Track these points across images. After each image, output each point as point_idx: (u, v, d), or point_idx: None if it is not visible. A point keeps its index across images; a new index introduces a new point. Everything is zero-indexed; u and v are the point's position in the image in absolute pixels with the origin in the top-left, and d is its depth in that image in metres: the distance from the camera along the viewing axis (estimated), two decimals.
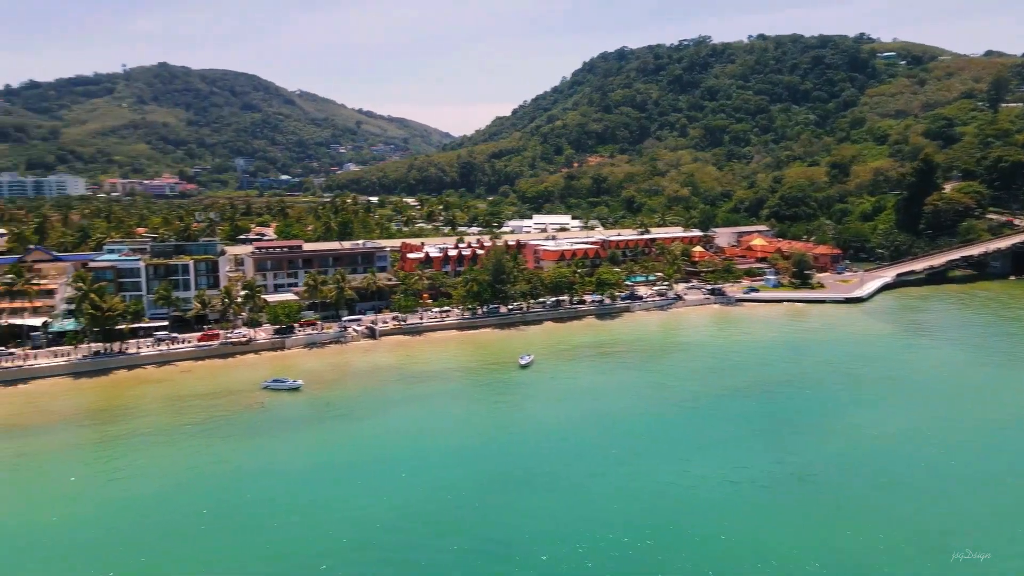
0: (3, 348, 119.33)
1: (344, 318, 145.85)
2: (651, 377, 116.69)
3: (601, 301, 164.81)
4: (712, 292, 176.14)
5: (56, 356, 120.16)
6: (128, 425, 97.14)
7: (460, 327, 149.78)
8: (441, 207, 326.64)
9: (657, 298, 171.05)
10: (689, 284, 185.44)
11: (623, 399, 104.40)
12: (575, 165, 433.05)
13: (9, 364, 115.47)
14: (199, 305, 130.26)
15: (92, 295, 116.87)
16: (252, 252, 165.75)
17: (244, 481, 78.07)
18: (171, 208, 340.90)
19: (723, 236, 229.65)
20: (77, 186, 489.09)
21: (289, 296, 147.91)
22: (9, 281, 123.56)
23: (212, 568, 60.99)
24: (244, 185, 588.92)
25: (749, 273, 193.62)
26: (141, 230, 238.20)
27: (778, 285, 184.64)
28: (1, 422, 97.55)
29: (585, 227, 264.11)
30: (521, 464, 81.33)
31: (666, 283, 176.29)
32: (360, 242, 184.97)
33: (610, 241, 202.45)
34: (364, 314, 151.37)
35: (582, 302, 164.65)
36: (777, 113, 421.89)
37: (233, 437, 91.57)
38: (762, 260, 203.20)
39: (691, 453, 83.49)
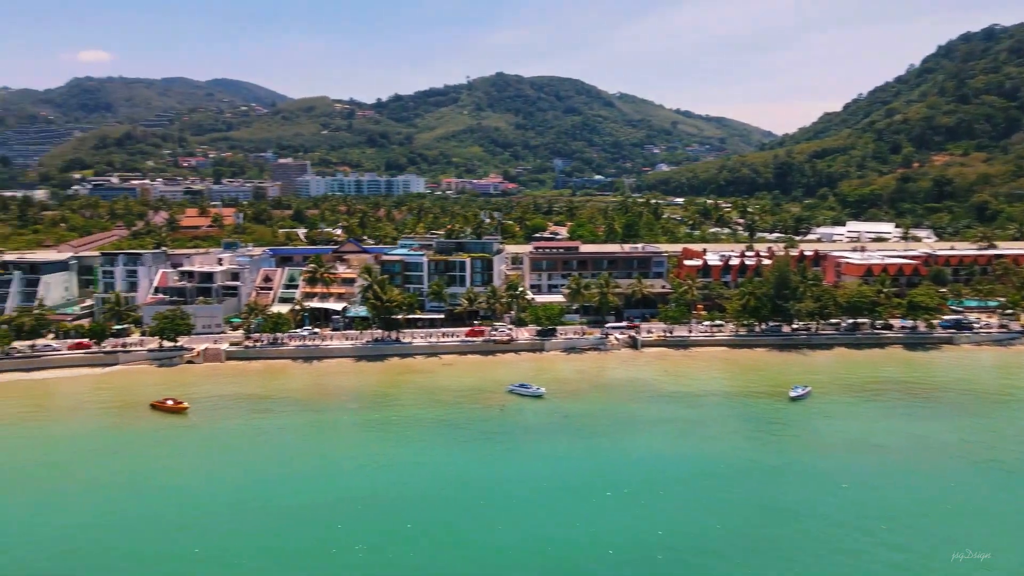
0: (309, 328, 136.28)
1: (608, 324, 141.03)
2: (969, 434, 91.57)
3: (913, 328, 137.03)
4: None
5: (347, 339, 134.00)
6: (384, 413, 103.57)
7: (731, 344, 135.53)
8: (738, 210, 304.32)
9: (995, 330, 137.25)
10: None
11: (919, 460, 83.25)
12: (915, 165, 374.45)
13: (311, 343, 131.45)
14: (466, 302, 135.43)
15: (375, 287, 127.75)
16: (530, 252, 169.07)
17: (454, 484, 77.34)
18: (488, 206, 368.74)
19: None
20: (419, 184, 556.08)
21: (555, 298, 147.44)
22: (311, 270, 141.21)
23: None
24: (559, 185, 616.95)
25: None
26: (452, 226, 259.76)
27: None
28: (300, 395, 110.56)
29: (905, 237, 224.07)
30: (757, 522, 68.43)
31: (1010, 311, 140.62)
32: (639, 246, 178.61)
33: (936, 256, 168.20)
34: (631, 321, 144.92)
35: (888, 327, 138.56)
36: None
37: (464, 435, 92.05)
38: None
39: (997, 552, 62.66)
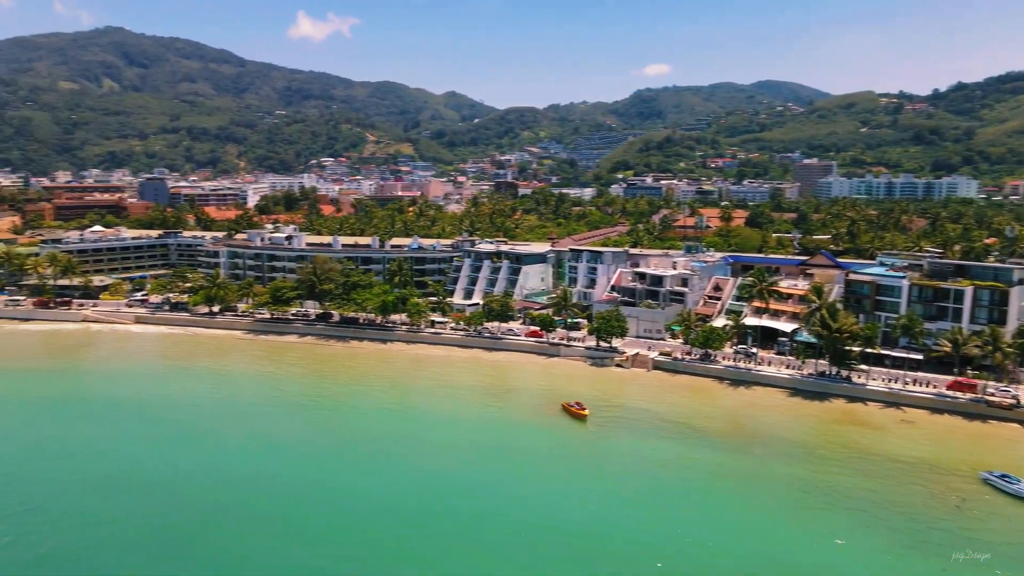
0: (745, 348, 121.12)
1: None
2: None
3: None
4: None
5: (786, 367, 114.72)
6: (805, 469, 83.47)
7: None
8: None
9: None
10: None
11: None
12: None
13: (743, 365, 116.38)
14: (948, 344, 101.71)
15: (823, 310, 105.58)
16: None
17: None
18: None
19: None
20: (969, 188, 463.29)
21: None
22: (749, 284, 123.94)
23: None
24: None
25: None
26: (992, 240, 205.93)
27: None
28: (713, 424, 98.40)
29: None
30: None
31: None
32: None
33: None
34: None
35: None
36: None
37: (888, 531, 67.71)
38: None
39: None
